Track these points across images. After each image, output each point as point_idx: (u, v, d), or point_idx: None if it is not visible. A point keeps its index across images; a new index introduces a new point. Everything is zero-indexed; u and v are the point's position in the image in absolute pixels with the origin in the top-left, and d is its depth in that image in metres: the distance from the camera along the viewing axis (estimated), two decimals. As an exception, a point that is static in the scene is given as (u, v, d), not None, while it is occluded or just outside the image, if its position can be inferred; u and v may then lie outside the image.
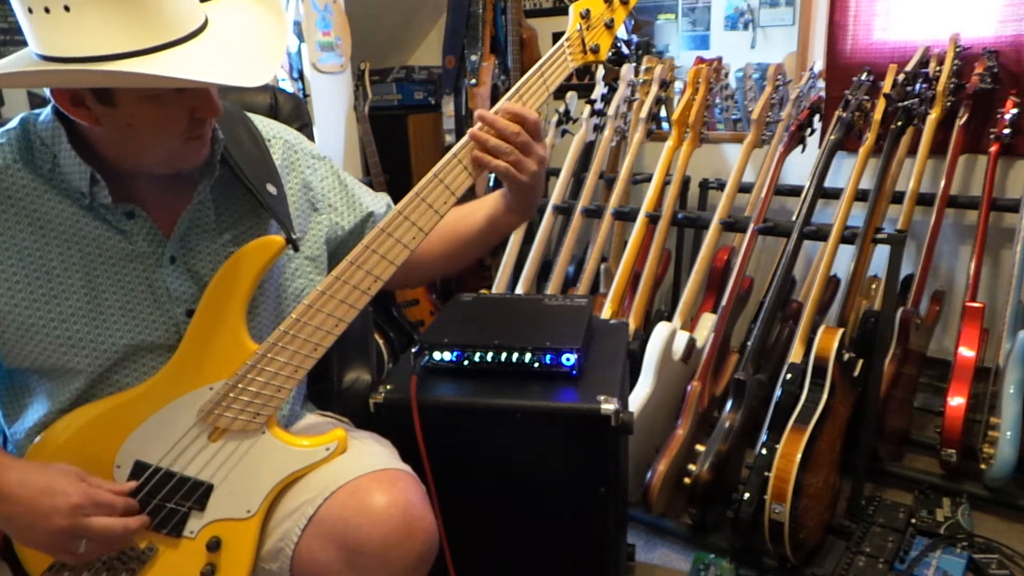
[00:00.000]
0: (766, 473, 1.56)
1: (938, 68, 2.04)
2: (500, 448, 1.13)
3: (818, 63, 2.32)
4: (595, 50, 1.02)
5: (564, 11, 2.90)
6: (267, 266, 0.92)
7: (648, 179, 2.13)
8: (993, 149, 2.02)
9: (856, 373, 1.71)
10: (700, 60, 2.38)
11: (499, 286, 2.20)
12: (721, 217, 1.95)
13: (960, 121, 2.07)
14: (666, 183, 2.08)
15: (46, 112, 0.89)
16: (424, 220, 0.94)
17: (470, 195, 1.01)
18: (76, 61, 0.76)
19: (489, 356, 1.14)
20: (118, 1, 0.75)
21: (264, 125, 1.06)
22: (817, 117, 2.14)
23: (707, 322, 1.95)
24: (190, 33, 0.81)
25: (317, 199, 1.09)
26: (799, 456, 1.54)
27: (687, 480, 1.64)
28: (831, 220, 1.81)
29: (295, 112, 1.33)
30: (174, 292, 0.94)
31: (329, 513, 0.90)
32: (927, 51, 2.06)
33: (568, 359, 1.12)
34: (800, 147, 2.12)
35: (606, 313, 1.95)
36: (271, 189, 0.98)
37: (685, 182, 2.47)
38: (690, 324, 1.98)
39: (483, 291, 2.26)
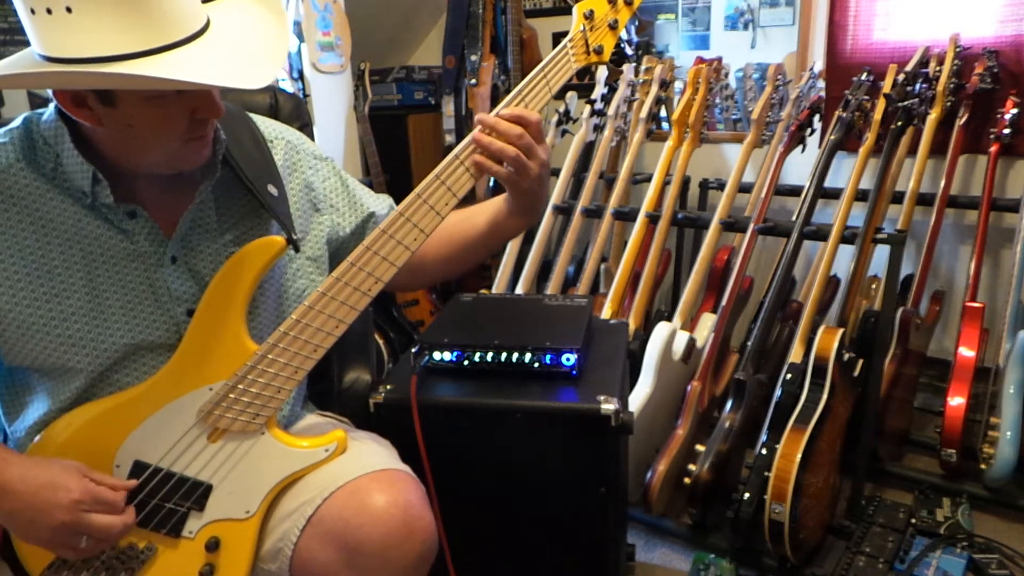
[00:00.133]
0: (766, 473, 1.56)
1: (938, 68, 2.04)
2: (500, 448, 1.13)
3: (818, 63, 2.32)
4: (599, 51, 1.01)
5: (564, 11, 2.90)
6: (267, 266, 0.92)
7: (648, 179, 2.13)
8: (993, 149, 2.02)
9: (856, 373, 1.71)
10: (700, 60, 2.38)
11: (499, 286, 2.20)
12: (721, 217, 1.96)
13: (960, 121, 2.07)
14: (666, 183, 2.08)
15: (49, 112, 0.90)
16: (425, 221, 0.94)
17: (471, 197, 1.01)
18: (78, 62, 0.76)
19: (489, 356, 1.14)
20: (120, 2, 0.75)
21: (266, 126, 1.06)
22: (817, 117, 2.14)
23: (707, 322, 1.95)
24: (192, 34, 0.81)
25: (319, 200, 1.09)
26: (799, 456, 1.54)
27: (687, 480, 1.64)
28: (831, 220, 1.81)
29: (295, 112, 1.33)
30: (175, 292, 0.94)
31: (329, 513, 0.90)
32: (927, 51, 2.06)
33: (568, 359, 1.13)
34: (800, 147, 2.12)
35: (606, 313, 1.95)
36: (272, 190, 0.98)
37: (685, 182, 2.47)
38: (690, 324, 1.98)
39: (483, 291, 2.26)
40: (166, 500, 0.91)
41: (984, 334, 1.88)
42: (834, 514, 1.76)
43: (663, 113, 2.35)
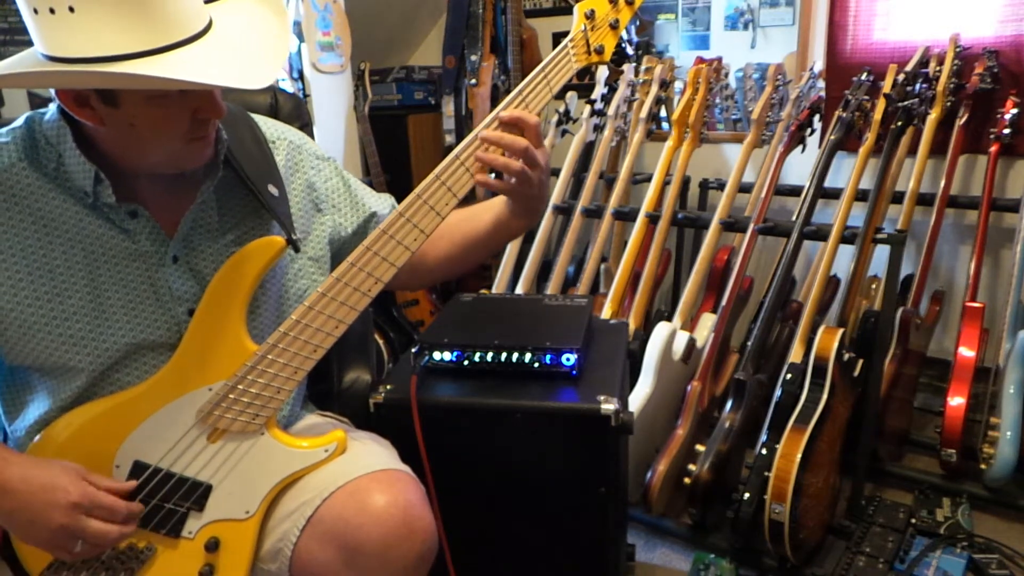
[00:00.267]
0: (766, 473, 1.56)
1: (938, 68, 2.04)
2: (500, 448, 1.13)
3: (818, 63, 2.32)
4: (600, 51, 1.01)
5: (564, 11, 2.90)
6: (268, 266, 0.92)
7: (648, 179, 2.13)
8: (993, 149, 2.02)
9: (856, 373, 1.71)
10: (700, 60, 2.38)
11: (499, 286, 2.20)
12: (721, 217, 1.96)
13: (960, 121, 2.07)
14: (666, 183, 2.08)
15: (51, 111, 0.90)
16: (425, 222, 0.94)
17: (471, 197, 1.01)
18: (80, 62, 0.76)
19: (489, 356, 1.14)
20: (122, 2, 0.75)
21: (268, 126, 1.06)
22: (817, 117, 2.14)
23: (707, 322, 1.95)
24: (195, 34, 0.81)
25: (321, 200, 1.09)
26: (799, 456, 1.54)
27: (687, 480, 1.64)
28: (831, 220, 1.81)
29: (295, 112, 1.33)
30: (176, 291, 0.94)
31: (328, 513, 0.90)
32: (927, 51, 2.06)
33: (568, 359, 1.13)
34: (800, 147, 2.12)
35: (606, 313, 1.95)
36: (273, 190, 0.98)
37: (685, 182, 2.47)
38: (690, 324, 1.98)
39: (483, 291, 2.26)
40: (166, 500, 0.91)
41: (984, 334, 1.88)
42: (834, 514, 1.76)
43: (663, 113, 2.35)
